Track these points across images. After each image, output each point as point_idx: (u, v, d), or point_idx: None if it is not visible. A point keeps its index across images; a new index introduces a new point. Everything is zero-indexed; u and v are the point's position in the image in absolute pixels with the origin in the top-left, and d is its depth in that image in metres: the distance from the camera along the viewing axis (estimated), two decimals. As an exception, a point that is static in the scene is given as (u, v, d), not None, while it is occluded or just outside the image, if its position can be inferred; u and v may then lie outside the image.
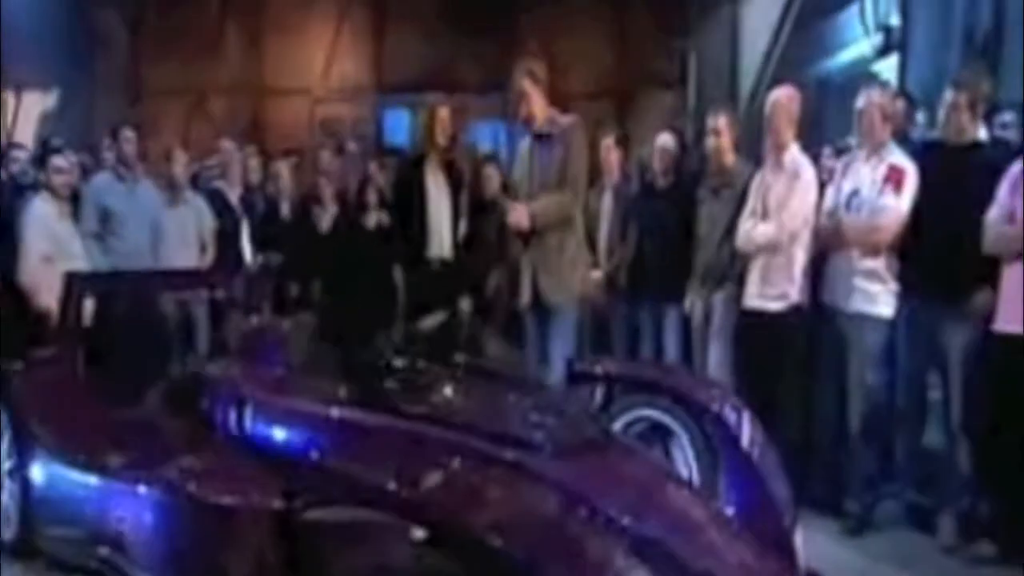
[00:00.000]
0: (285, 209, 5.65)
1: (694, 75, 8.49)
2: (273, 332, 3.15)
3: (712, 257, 4.20)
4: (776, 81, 5.01)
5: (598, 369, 2.95)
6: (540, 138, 3.59)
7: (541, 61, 3.67)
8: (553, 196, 3.56)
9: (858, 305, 3.65)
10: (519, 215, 3.52)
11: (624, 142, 4.90)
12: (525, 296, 3.64)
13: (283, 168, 5.72)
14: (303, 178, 5.95)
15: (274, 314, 4.25)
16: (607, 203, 4.79)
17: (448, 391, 2.59)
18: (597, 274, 4.63)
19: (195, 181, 5.54)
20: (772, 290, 3.87)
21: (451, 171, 4.46)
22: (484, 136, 9.12)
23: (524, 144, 3.60)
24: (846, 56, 6.65)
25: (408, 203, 4.44)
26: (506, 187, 4.28)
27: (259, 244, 5.40)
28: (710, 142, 4.24)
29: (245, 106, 9.73)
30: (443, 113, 4.42)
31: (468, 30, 9.16)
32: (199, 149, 6.60)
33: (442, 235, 4.38)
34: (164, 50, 9.37)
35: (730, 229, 4.08)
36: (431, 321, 3.77)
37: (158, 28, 9.35)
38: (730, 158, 4.26)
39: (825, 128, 5.48)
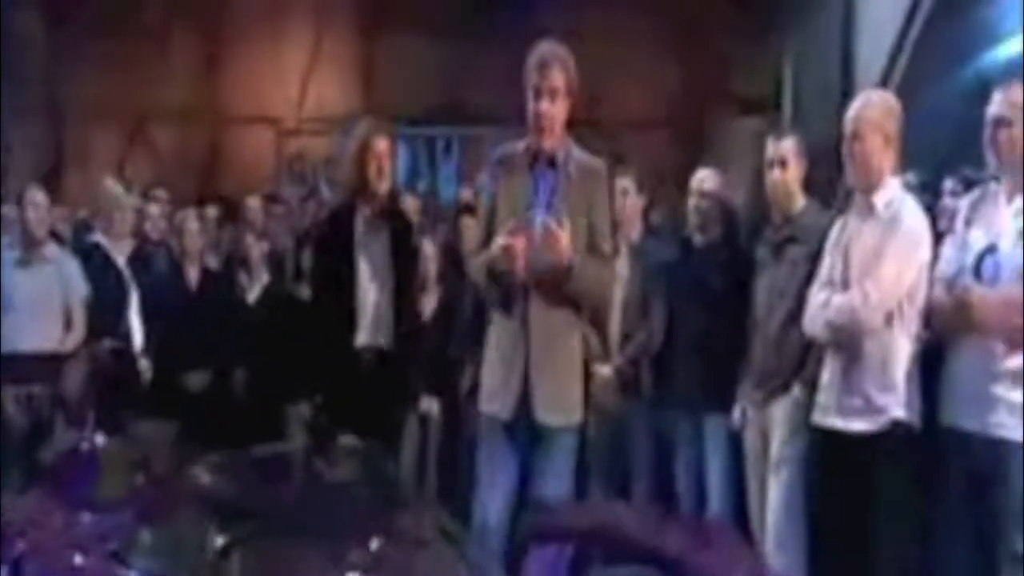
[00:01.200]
0: (192, 274, 5.68)
1: (790, 91, 8.30)
2: (80, 458, 2.67)
3: (772, 347, 3.93)
4: (908, 85, 4.76)
5: (573, 522, 2.25)
6: (551, 165, 3.39)
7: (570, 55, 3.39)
8: (594, 260, 3.41)
9: (1001, 426, 3.20)
10: (560, 242, 3.30)
11: (659, 183, 4.97)
12: (507, 407, 3.39)
13: (190, 220, 5.72)
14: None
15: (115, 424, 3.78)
16: (621, 268, 4.61)
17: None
18: (606, 371, 4.48)
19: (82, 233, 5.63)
20: (856, 399, 3.52)
21: (394, 225, 4.33)
22: None
23: (513, 170, 3.36)
24: (1008, 50, 6.30)
25: (329, 270, 4.30)
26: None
27: (149, 318, 5.38)
28: (771, 178, 4.02)
29: (197, 137, 9.78)
30: (380, 145, 4.24)
31: (484, 44, 9.00)
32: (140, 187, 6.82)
33: (379, 314, 4.17)
34: (95, 62, 9.38)
35: (800, 304, 3.75)
36: (344, 446, 3.13)
37: (87, 33, 9.33)
38: (799, 201, 4.06)
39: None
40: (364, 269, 4.23)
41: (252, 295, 5.75)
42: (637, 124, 8.95)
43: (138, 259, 5.66)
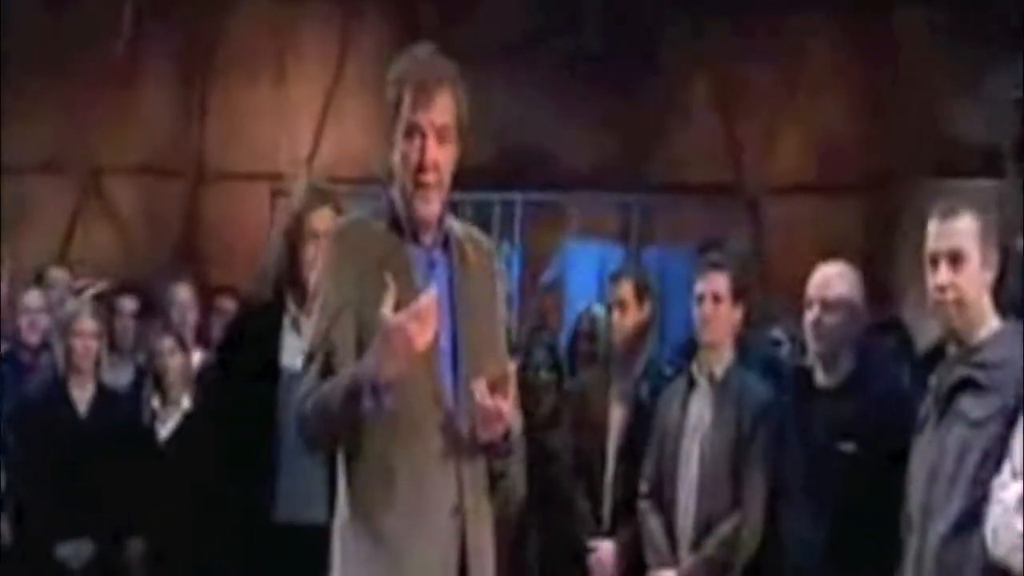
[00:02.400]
0: (81, 394, 5.65)
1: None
2: None
3: (934, 566, 3.65)
4: None
5: None
6: (444, 247, 3.24)
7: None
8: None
9: None
10: (502, 417, 3.11)
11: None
12: None
13: (83, 318, 5.61)
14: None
15: None
16: (701, 413, 4.72)
17: None
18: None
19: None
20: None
21: None
22: (586, 267, 9.23)
23: (374, 255, 3.20)
24: None
25: (238, 403, 4.30)
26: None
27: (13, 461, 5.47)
28: (936, 282, 3.70)
29: (170, 195, 9.81)
30: (320, 221, 4.24)
31: (576, 81, 9.20)
32: (93, 256, 6.95)
33: (314, 474, 3.98)
34: (39, 100, 9.36)
35: (980, 499, 3.51)
36: None
37: (33, 71, 9.35)
38: (986, 322, 3.75)
39: None
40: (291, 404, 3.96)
41: (166, 428, 5.68)
42: (788, 188, 9.01)
43: (5, 370, 5.76)
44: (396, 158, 3.11)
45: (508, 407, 2.99)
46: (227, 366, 4.50)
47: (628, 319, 5.04)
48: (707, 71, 9.33)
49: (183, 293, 6.31)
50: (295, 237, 4.31)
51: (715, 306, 4.68)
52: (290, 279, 4.33)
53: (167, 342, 5.78)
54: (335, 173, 9.02)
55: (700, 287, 4.69)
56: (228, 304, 6.53)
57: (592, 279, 8.59)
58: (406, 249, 3.14)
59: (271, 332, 4.31)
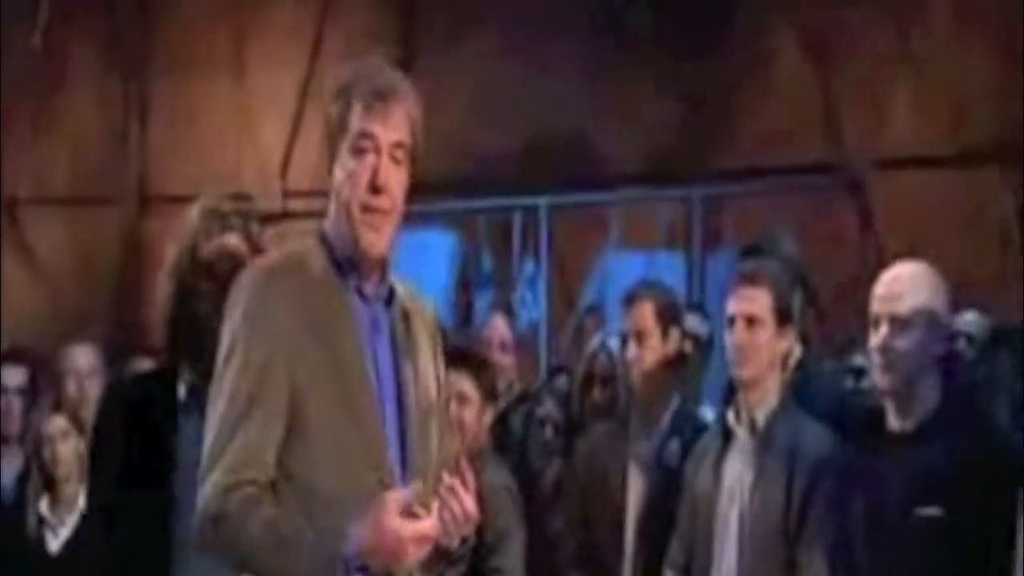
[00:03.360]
0: None
1: None
2: None
3: None
4: None
5: None
6: (387, 302, 3.40)
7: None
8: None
9: None
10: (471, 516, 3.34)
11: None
12: None
13: None
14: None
15: None
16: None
17: None
18: None
19: None
20: None
21: None
22: (622, 279, 8.91)
23: (314, 303, 3.33)
24: None
25: (126, 487, 4.27)
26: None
27: None
28: None
29: (103, 227, 9.88)
30: (225, 245, 4.28)
31: (620, 48, 9.15)
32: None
33: None
34: None
35: None
36: None
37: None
38: None
39: None
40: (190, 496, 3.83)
41: (58, 538, 5.61)
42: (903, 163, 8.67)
43: None
44: (340, 178, 3.19)
45: (473, 506, 3.15)
46: (103, 455, 4.36)
47: (649, 354, 4.95)
48: (794, 17, 9.09)
49: (82, 358, 6.26)
50: (189, 277, 4.25)
51: (750, 332, 4.56)
52: (184, 334, 4.23)
53: (58, 423, 5.69)
54: (316, 187, 9.03)
55: (730, 307, 4.60)
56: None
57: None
58: (348, 301, 3.22)
59: (161, 406, 4.23)
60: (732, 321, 4.60)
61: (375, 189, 3.16)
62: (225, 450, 3.12)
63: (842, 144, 8.63)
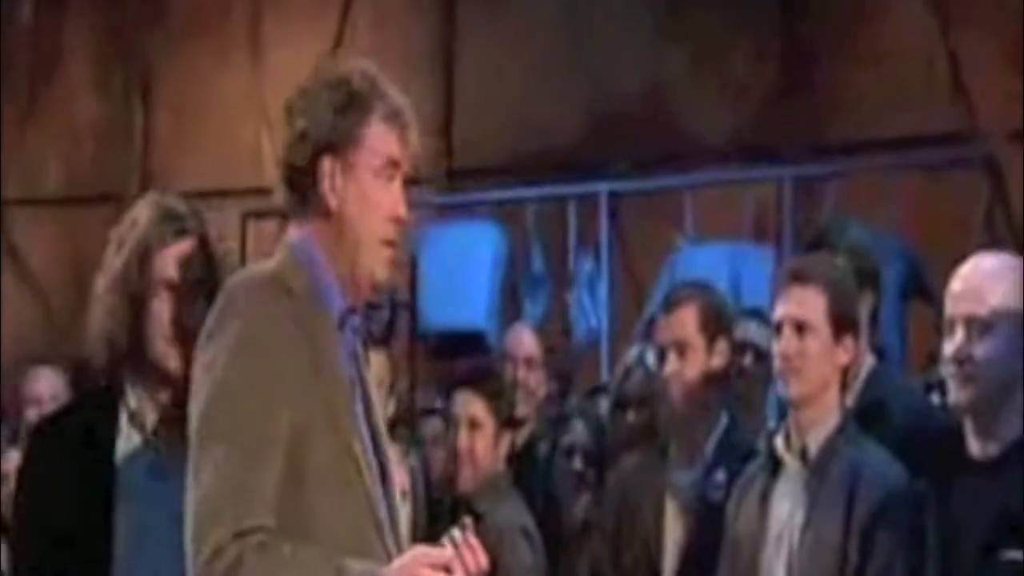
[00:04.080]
0: None
1: None
2: None
3: None
4: None
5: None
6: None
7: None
8: None
9: None
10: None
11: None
12: None
13: None
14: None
15: None
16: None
17: None
18: None
19: None
20: None
21: None
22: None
23: (327, 345, 3.43)
24: None
25: (53, 546, 4.25)
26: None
27: None
28: None
29: (99, 230, 9.76)
30: (171, 259, 4.25)
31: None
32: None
33: None
34: None
35: None
36: None
37: None
38: None
39: None
40: (138, 547, 4.23)
41: None
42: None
43: None
44: (351, 199, 3.25)
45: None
46: (33, 496, 4.30)
47: (690, 369, 4.88)
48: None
49: (43, 383, 6.34)
50: (133, 289, 4.18)
51: (799, 340, 4.48)
52: (128, 356, 4.16)
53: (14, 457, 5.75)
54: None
55: (777, 311, 4.54)
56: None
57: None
58: (333, 331, 3.29)
59: (104, 442, 4.18)
60: (779, 328, 4.53)
61: (399, 222, 3.29)
62: (227, 503, 3.15)
63: (972, 112, 8.42)
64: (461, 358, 7.69)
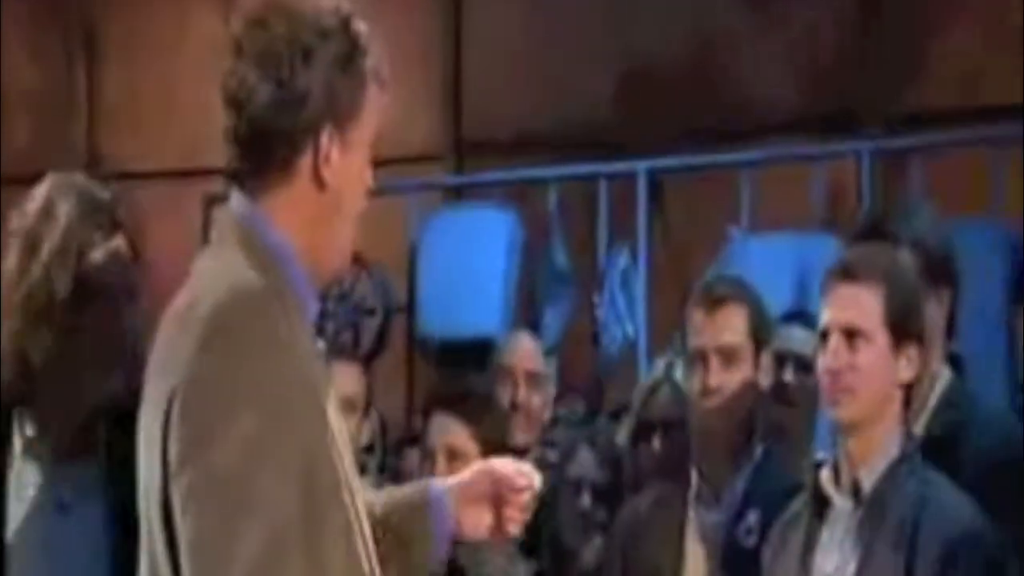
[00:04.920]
0: None
1: None
2: None
3: None
4: None
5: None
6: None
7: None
8: None
9: None
10: None
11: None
12: None
13: None
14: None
15: None
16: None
17: None
18: None
19: None
20: None
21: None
22: (770, 275, 8.69)
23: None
24: None
25: None
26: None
27: None
28: None
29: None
30: (118, 251, 4.54)
31: None
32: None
33: None
34: None
35: None
36: None
37: None
38: None
39: None
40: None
41: None
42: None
43: None
44: (350, 175, 3.27)
45: None
46: None
47: (736, 382, 4.85)
48: None
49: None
50: (66, 290, 4.37)
51: (851, 351, 4.41)
52: (49, 368, 4.35)
53: None
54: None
55: (824, 315, 4.49)
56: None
57: (783, 296, 8.01)
58: (312, 341, 3.39)
59: None
60: (825, 336, 4.46)
61: (369, 193, 3.37)
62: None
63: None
64: (469, 372, 7.66)
